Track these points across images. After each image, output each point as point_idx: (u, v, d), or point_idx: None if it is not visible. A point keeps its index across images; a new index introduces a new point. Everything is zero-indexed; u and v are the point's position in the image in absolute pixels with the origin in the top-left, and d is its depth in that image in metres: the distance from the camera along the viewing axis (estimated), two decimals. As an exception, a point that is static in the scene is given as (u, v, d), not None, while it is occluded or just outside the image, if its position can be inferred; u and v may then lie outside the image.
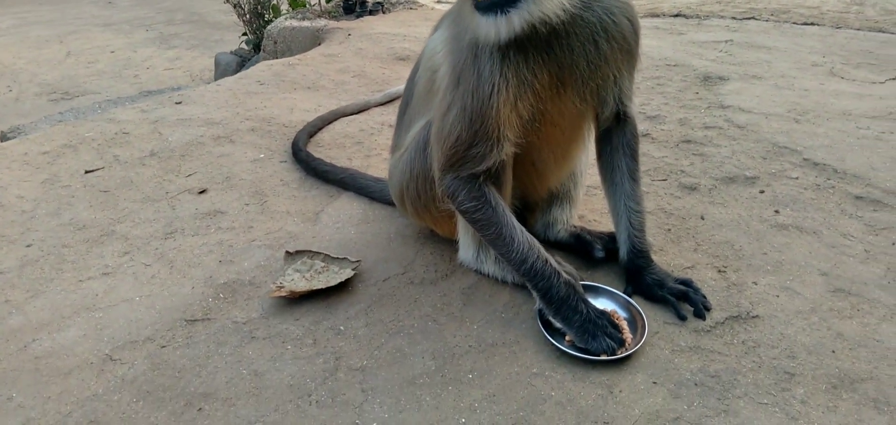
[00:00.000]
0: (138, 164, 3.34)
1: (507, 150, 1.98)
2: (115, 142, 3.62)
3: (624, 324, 2.01)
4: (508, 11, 1.72)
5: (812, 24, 5.45)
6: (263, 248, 2.57)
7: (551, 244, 2.43)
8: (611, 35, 1.96)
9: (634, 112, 2.21)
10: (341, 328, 2.09)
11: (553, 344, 1.93)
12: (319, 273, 2.31)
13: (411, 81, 2.39)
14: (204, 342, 2.07)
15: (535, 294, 2.02)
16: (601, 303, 2.10)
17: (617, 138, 2.21)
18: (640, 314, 2.02)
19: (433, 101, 2.15)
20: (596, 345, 1.88)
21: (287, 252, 2.43)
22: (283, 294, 2.21)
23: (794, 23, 5.51)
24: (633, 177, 2.22)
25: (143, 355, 2.03)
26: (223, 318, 2.18)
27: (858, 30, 5.23)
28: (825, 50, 4.72)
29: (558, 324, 1.96)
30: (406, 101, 2.42)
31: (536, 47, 1.87)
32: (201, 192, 3.04)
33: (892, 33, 5.13)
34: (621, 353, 1.89)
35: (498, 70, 1.86)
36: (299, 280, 2.29)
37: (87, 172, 3.27)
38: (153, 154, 3.44)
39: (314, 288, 2.24)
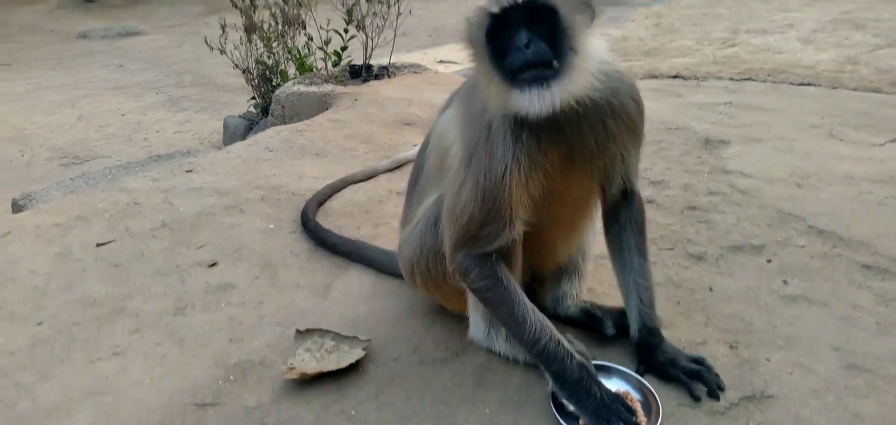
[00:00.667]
0: (149, 237, 3.37)
1: (519, 229, 2.01)
2: (127, 213, 3.66)
3: (638, 407, 1.99)
4: (551, 85, 1.77)
5: (809, 84, 5.54)
6: (274, 326, 2.58)
7: (561, 319, 2.44)
8: (618, 116, 2.01)
9: (640, 188, 2.25)
10: (352, 413, 2.08)
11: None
12: (330, 353, 2.32)
13: (421, 155, 2.44)
14: (215, 428, 2.06)
15: (547, 375, 2.01)
16: (614, 384, 2.09)
17: (624, 214, 2.24)
18: (654, 396, 2.00)
19: (444, 176, 2.19)
20: None
21: (297, 330, 2.43)
22: (294, 376, 2.21)
23: (791, 83, 5.60)
24: (642, 253, 2.24)
25: (154, 442, 2.02)
26: (234, 403, 2.18)
27: (854, 90, 5.31)
28: (823, 111, 4.78)
29: (571, 408, 1.95)
30: (416, 176, 2.46)
31: (548, 128, 1.91)
32: (212, 265, 3.07)
33: (888, 94, 5.21)
34: (636, 440, 1.87)
35: (510, 151, 1.91)
36: (310, 360, 2.29)
37: (98, 245, 3.30)
38: (164, 225, 3.48)
39: (325, 369, 2.24)
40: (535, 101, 1.76)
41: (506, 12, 1.80)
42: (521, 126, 1.89)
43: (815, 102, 4.97)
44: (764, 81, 5.66)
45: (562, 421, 1.93)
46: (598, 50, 1.88)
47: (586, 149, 1.99)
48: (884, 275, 2.67)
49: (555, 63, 1.78)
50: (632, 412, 1.93)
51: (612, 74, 1.97)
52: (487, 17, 1.83)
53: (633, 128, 2.07)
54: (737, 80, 5.77)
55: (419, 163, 2.43)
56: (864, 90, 5.30)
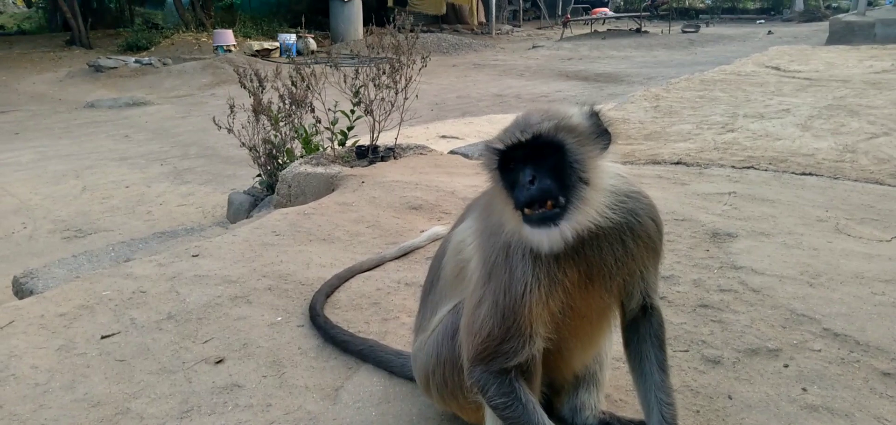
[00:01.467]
0: (155, 329, 3.33)
1: (538, 346, 1.99)
2: (133, 302, 3.63)
3: None
4: (559, 224, 1.80)
5: (810, 174, 5.61)
6: (283, 431, 2.51)
7: (579, 431, 2.39)
8: (636, 234, 2.02)
9: (659, 303, 2.24)
10: None
11: None
12: (343, 465, 2.25)
13: (437, 264, 2.43)
14: None
15: None
16: (637, 505, 2.03)
17: (644, 329, 2.22)
18: None
19: (461, 285, 2.19)
20: None
21: (309, 439, 2.37)
22: (306, 490, 2.14)
23: (792, 172, 5.67)
24: (663, 368, 2.21)
25: None
26: None
27: (856, 181, 5.37)
28: (827, 203, 4.83)
29: None
30: (431, 283, 2.45)
31: (567, 249, 1.92)
32: (218, 362, 3.02)
33: (890, 186, 5.27)
34: None
35: (530, 270, 1.91)
36: (322, 473, 2.22)
37: (103, 338, 3.26)
38: (170, 317, 3.44)
39: (338, 483, 2.17)
40: (545, 240, 1.81)
41: (510, 149, 1.84)
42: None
43: (818, 194, 5.02)
44: (765, 170, 5.74)
45: None
46: (611, 175, 1.92)
47: (606, 268, 2.00)
48: (904, 385, 2.63)
49: (561, 199, 1.81)
50: None
51: (630, 193, 1.99)
52: (495, 152, 1.87)
53: (653, 247, 2.09)
54: (739, 168, 5.84)
55: (435, 271, 2.43)
56: (865, 181, 5.37)
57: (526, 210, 1.81)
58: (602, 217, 1.87)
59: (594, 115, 1.93)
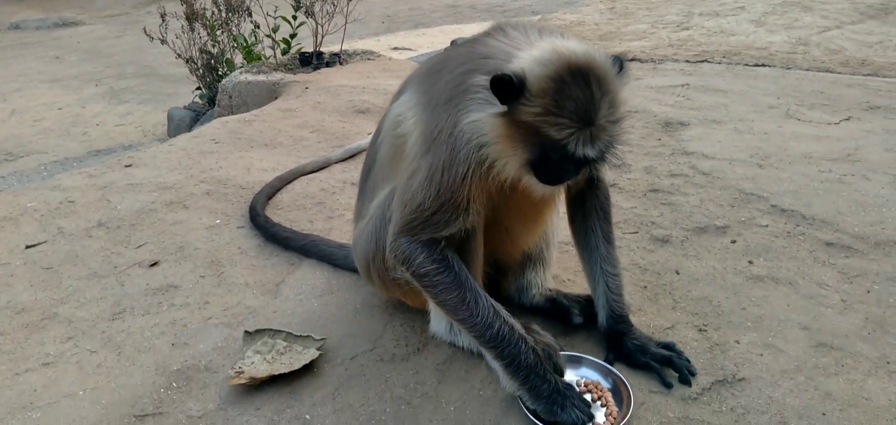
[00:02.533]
0: (84, 236, 3.13)
1: (473, 220, 1.89)
2: (60, 212, 3.40)
3: (608, 396, 1.91)
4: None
5: (763, 64, 5.59)
6: (220, 327, 2.40)
7: (527, 309, 2.33)
8: None
9: (606, 175, 2.16)
10: (307, 417, 1.94)
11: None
12: (282, 354, 2.16)
13: (373, 147, 2.29)
14: (155, 441, 1.88)
15: (498, 365, 1.89)
16: (583, 374, 2.00)
17: (590, 201, 2.14)
18: (625, 384, 1.92)
19: (398, 167, 2.06)
20: (565, 417, 1.78)
21: (246, 331, 2.26)
22: (243, 380, 2.05)
23: (746, 64, 5.64)
24: (608, 240, 2.15)
25: (87, 460, 1.83)
26: (176, 412, 2.00)
27: (807, 70, 5.37)
28: (779, 91, 4.82)
29: (525, 396, 1.84)
30: (368, 168, 2.31)
31: None
32: (152, 265, 2.86)
33: (840, 73, 5.29)
34: (609, 430, 1.78)
35: (474, 156, 1.79)
36: (260, 363, 2.12)
37: (28, 247, 3.05)
38: (101, 224, 3.24)
39: (277, 372, 2.08)
40: (549, 191, 1.88)
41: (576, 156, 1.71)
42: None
43: (770, 83, 5.00)
44: (719, 63, 5.69)
45: (531, 418, 1.82)
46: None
47: None
48: (847, 252, 2.65)
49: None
50: (586, 402, 1.84)
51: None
52: (558, 144, 1.69)
53: None
54: (693, 62, 5.78)
55: (372, 153, 2.28)
56: (816, 70, 5.37)
57: (549, 180, 1.79)
58: None
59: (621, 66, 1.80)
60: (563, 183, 1.85)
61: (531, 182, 1.80)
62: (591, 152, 1.70)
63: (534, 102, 1.66)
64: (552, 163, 1.73)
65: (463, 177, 1.80)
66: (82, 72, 10.38)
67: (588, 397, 1.90)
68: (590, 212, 2.15)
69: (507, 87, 1.66)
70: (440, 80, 1.90)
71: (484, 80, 1.73)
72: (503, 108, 1.70)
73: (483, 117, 1.74)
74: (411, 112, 2.00)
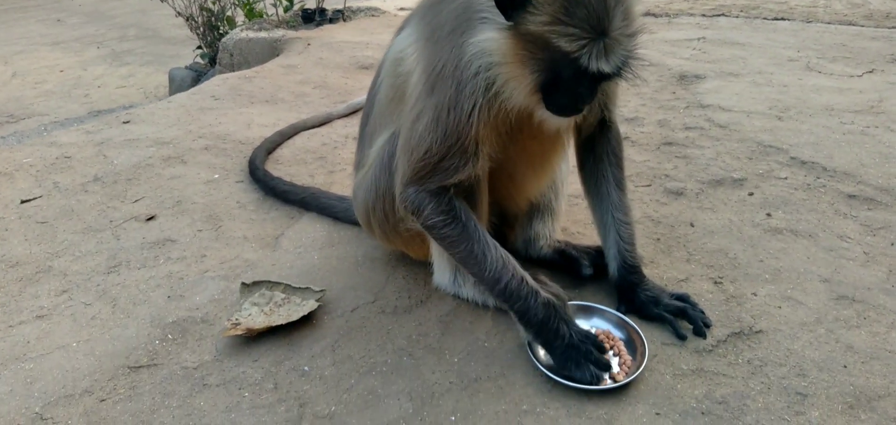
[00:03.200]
0: (80, 191, 3.05)
1: (483, 165, 1.79)
2: (56, 167, 3.33)
3: (621, 346, 1.83)
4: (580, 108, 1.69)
5: (782, 19, 5.40)
6: (217, 280, 2.32)
7: (534, 262, 2.24)
8: None
9: (617, 118, 2.04)
10: (306, 368, 1.86)
11: (546, 375, 1.73)
12: (280, 306, 2.08)
13: (374, 88, 2.18)
14: (149, 393, 1.82)
15: (513, 316, 1.83)
16: (595, 324, 1.92)
17: (600, 146, 2.03)
18: (639, 334, 1.83)
19: (399, 109, 1.95)
20: (580, 374, 1.70)
21: (243, 283, 2.18)
22: (240, 332, 1.97)
23: (764, 18, 5.46)
24: (620, 187, 2.05)
25: (79, 411, 1.78)
26: (171, 364, 1.93)
27: (829, 23, 5.19)
28: (799, 45, 4.65)
29: (539, 350, 1.77)
30: (367, 113, 2.21)
31: None
32: (149, 219, 2.78)
33: (862, 26, 5.10)
34: (622, 379, 1.70)
35: (481, 88, 1.67)
36: (257, 315, 2.05)
37: (23, 202, 2.98)
38: (97, 179, 3.16)
39: (274, 323, 2.00)
40: (563, 122, 1.74)
41: (589, 71, 1.56)
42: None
43: (790, 36, 4.83)
44: (737, 16, 5.51)
45: (540, 367, 1.74)
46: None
47: None
48: (870, 204, 2.53)
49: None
50: (603, 350, 1.77)
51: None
52: (570, 57, 1.55)
53: None
54: (709, 16, 5.60)
55: (371, 97, 2.17)
56: (838, 24, 5.18)
57: (559, 106, 1.65)
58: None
59: None
60: (578, 111, 1.69)
61: (542, 113, 1.67)
62: (606, 66, 1.54)
63: (542, 10, 1.52)
64: (564, 83, 1.60)
65: (469, 115, 1.68)
66: (84, 34, 10.26)
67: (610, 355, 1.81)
68: (601, 158, 2.04)
69: None
70: (442, 10, 1.78)
71: (488, 1, 1.61)
72: (509, 24, 1.58)
73: (488, 37, 1.62)
74: (412, 48, 1.88)
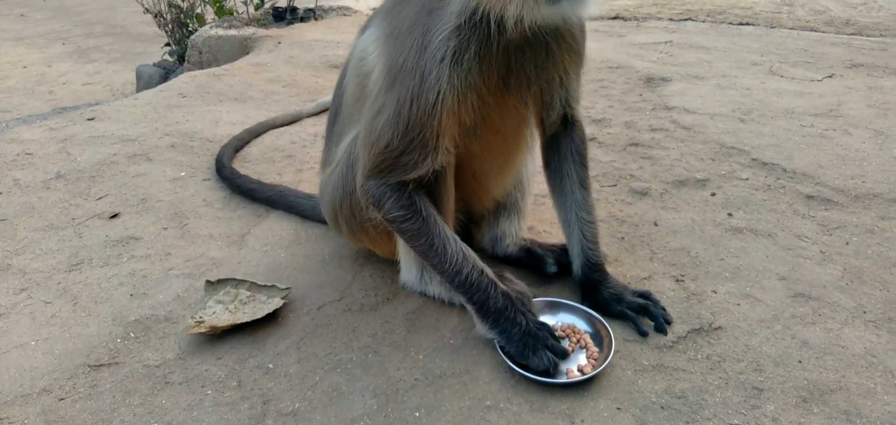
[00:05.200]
0: (42, 188, 2.99)
1: (443, 159, 1.80)
2: (17, 164, 3.25)
3: (588, 340, 1.86)
4: None
5: (747, 23, 5.52)
6: (182, 278, 2.30)
7: (501, 260, 2.27)
8: (561, 35, 1.83)
9: (582, 116, 2.07)
10: (270, 366, 1.85)
11: (513, 369, 1.75)
12: (245, 303, 2.07)
13: (339, 89, 2.18)
14: (109, 391, 1.79)
15: (470, 308, 1.85)
16: (562, 319, 1.95)
17: (565, 144, 2.06)
18: (605, 326, 1.87)
19: (364, 107, 1.95)
20: (536, 361, 1.73)
21: (208, 281, 2.16)
22: (203, 330, 1.96)
23: (730, 23, 5.57)
24: (584, 185, 2.08)
25: (37, 411, 1.74)
26: (133, 362, 1.91)
27: (792, 29, 5.32)
28: (762, 49, 4.76)
29: (497, 339, 1.80)
30: (335, 112, 2.21)
31: (496, 48, 1.71)
32: (113, 217, 2.74)
33: (824, 32, 5.24)
34: (589, 372, 1.73)
35: (446, 74, 1.68)
36: (222, 312, 2.03)
37: (-20, 200, 2.91)
38: (59, 176, 3.10)
39: (239, 321, 1.99)
40: (590, 5, 1.61)
41: None
42: (468, 45, 1.68)
43: (754, 41, 4.94)
44: (703, 21, 5.61)
45: (507, 361, 1.76)
46: None
47: (524, 72, 1.80)
48: (827, 205, 2.61)
49: None
50: (558, 343, 1.79)
51: None
52: None
53: (576, 49, 1.90)
54: (676, 20, 5.70)
55: (337, 97, 2.17)
56: (801, 29, 5.32)
57: None
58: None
59: None
60: None
61: (546, 3, 1.58)
62: None
63: None
64: None
65: (434, 105, 1.69)
66: (49, 30, 10.03)
67: (566, 342, 1.84)
68: (565, 156, 2.07)
69: None
70: (403, 10, 1.79)
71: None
72: None
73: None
74: (373, 46, 1.89)
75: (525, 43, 1.77)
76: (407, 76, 1.72)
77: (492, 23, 1.65)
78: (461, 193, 2.07)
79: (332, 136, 2.22)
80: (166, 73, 6.25)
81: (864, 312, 2.01)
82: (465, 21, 1.67)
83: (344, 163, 2.05)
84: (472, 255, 1.83)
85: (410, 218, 1.80)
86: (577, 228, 2.06)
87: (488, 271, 1.83)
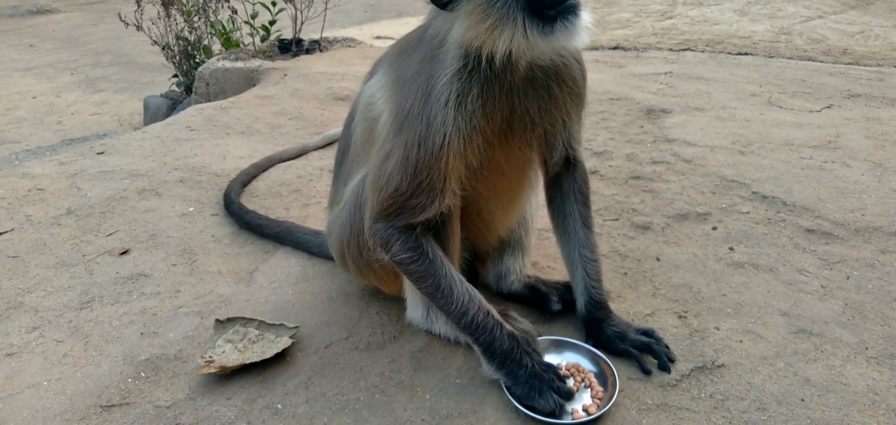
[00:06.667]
0: (53, 224, 3.04)
1: (450, 202, 1.84)
2: (28, 199, 3.31)
3: (592, 379, 1.89)
4: (579, 14, 1.59)
5: (746, 53, 5.59)
6: (191, 316, 2.33)
7: (505, 296, 2.30)
8: (562, 78, 1.88)
9: (583, 156, 2.12)
10: (279, 406, 1.88)
11: (519, 410, 1.77)
12: (254, 342, 2.10)
13: (347, 131, 2.23)
14: (121, 432, 1.82)
15: (476, 349, 1.89)
16: (567, 359, 1.97)
17: (567, 184, 2.11)
18: (610, 366, 1.90)
19: (372, 150, 2.00)
20: (542, 403, 1.76)
21: (217, 320, 2.20)
22: (213, 369, 1.99)
23: (728, 53, 5.64)
24: (587, 224, 2.12)
25: (49, 452, 1.77)
26: (144, 402, 1.94)
27: (790, 59, 5.38)
28: (761, 80, 4.82)
29: (503, 379, 1.83)
30: (343, 152, 2.26)
31: (498, 91, 1.76)
32: (123, 253, 2.78)
33: (822, 62, 5.30)
34: (594, 413, 1.75)
35: (451, 118, 1.74)
36: (231, 352, 2.06)
37: (-7, 236, 2.96)
38: (70, 212, 3.15)
39: (248, 361, 2.02)
40: (583, 33, 1.60)
41: None
42: (469, 89, 1.74)
43: (753, 71, 5.00)
44: (702, 52, 5.68)
45: (513, 401, 1.79)
46: None
47: (528, 115, 1.86)
48: (827, 239, 2.64)
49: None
50: (564, 385, 1.82)
51: None
52: None
53: (577, 92, 1.95)
54: (676, 51, 5.77)
55: (345, 138, 2.23)
56: (799, 59, 5.38)
57: (564, 5, 1.57)
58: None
59: None
60: None
61: (549, 37, 1.60)
62: None
63: None
64: None
65: (440, 147, 1.74)
66: (57, 60, 10.18)
67: (571, 382, 1.87)
68: (568, 195, 2.11)
69: None
70: (409, 58, 1.85)
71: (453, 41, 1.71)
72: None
73: (454, 40, 1.71)
74: (381, 92, 1.95)
75: (527, 85, 1.82)
76: (414, 121, 1.77)
77: (484, 62, 1.71)
78: (466, 232, 2.11)
79: (339, 176, 2.27)
80: (173, 103, 6.34)
81: (866, 348, 2.03)
82: (463, 65, 1.73)
83: (352, 203, 2.10)
84: (478, 296, 1.87)
85: (417, 260, 1.84)
86: (581, 267, 2.10)
87: (494, 312, 1.86)
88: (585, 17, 1.61)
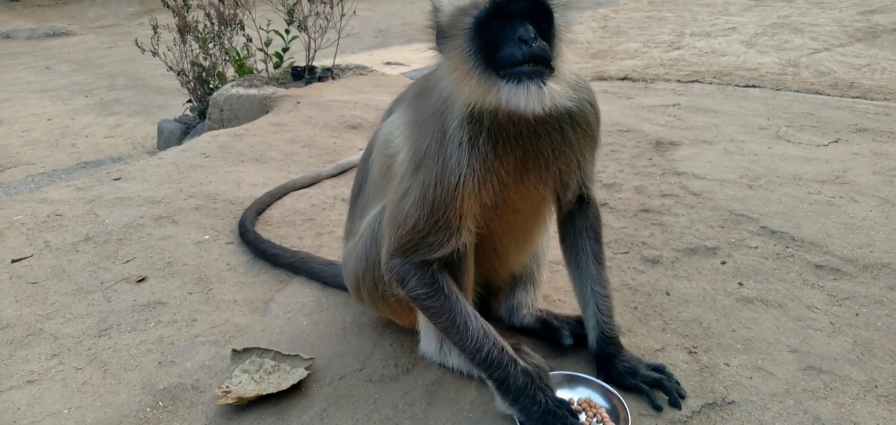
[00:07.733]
0: (71, 251, 3.10)
1: (466, 239, 1.89)
2: (47, 225, 3.37)
3: (604, 415, 1.91)
4: (547, 82, 1.64)
5: (753, 85, 5.65)
6: (208, 345, 2.37)
7: (517, 330, 2.33)
8: (576, 121, 1.94)
9: (596, 195, 2.17)
10: (295, 438, 1.91)
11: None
12: (270, 373, 2.13)
13: (364, 165, 2.29)
14: (140, 461, 1.86)
15: (490, 384, 1.91)
16: (579, 394, 2.00)
17: (580, 221, 2.15)
18: (622, 402, 1.92)
19: (389, 186, 2.05)
20: None
21: (234, 350, 2.24)
22: (231, 400, 2.02)
23: (736, 85, 5.70)
24: (599, 261, 2.16)
25: (69, 480, 1.80)
26: (162, 432, 1.97)
27: (797, 92, 5.43)
28: (769, 113, 4.86)
29: (517, 416, 1.85)
30: (359, 186, 2.31)
31: (507, 135, 1.82)
32: (140, 281, 2.83)
33: (829, 95, 5.35)
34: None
35: (465, 159, 1.79)
36: (248, 382, 2.10)
37: (13, 262, 3.02)
38: (88, 238, 3.21)
39: (264, 392, 2.06)
40: (534, 98, 1.63)
41: (507, 3, 1.67)
42: (479, 131, 1.79)
43: (760, 104, 5.05)
44: (710, 83, 5.74)
45: None
46: (572, 57, 1.81)
47: (542, 156, 1.90)
48: (836, 275, 2.66)
49: (552, 64, 1.67)
50: (576, 415, 1.85)
51: (574, 80, 1.89)
52: (484, 4, 1.68)
53: (590, 134, 2.00)
54: (684, 82, 5.83)
55: (362, 172, 2.28)
56: (806, 92, 5.43)
57: (516, 68, 1.63)
58: (566, 97, 1.74)
59: None
60: (526, 56, 1.63)
61: (502, 92, 1.66)
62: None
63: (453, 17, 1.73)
64: (486, 33, 1.68)
65: (456, 187, 1.79)
66: (72, 82, 10.34)
67: (583, 417, 1.89)
68: (580, 232, 2.15)
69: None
70: (426, 100, 1.91)
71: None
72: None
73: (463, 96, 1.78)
74: (399, 130, 2.01)
75: (539, 127, 1.87)
76: (430, 161, 1.83)
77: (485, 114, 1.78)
78: (480, 267, 2.15)
79: (356, 209, 2.32)
80: (187, 128, 6.43)
81: (876, 386, 2.05)
82: (469, 112, 1.79)
83: (368, 237, 2.14)
84: (493, 332, 1.91)
85: (433, 295, 1.88)
86: (593, 302, 2.13)
87: (508, 348, 1.90)
88: (552, 85, 1.65)
